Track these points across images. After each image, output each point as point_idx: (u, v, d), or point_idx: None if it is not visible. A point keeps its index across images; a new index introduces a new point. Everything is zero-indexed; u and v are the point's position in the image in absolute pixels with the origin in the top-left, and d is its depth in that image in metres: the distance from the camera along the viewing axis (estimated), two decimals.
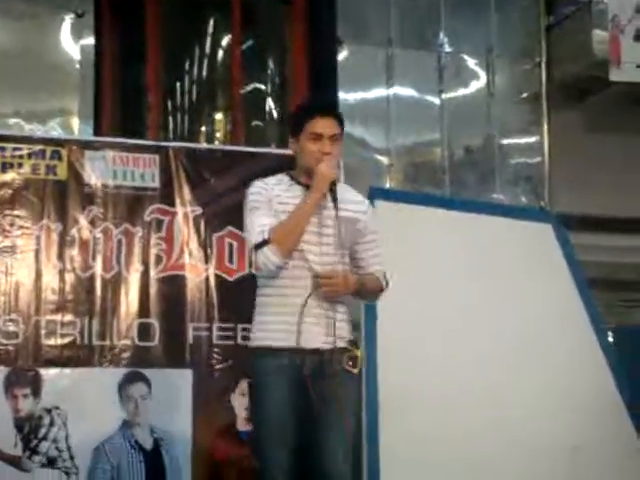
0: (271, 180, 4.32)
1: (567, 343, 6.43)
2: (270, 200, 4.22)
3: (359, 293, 4.31)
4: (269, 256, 4.10)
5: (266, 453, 4.17)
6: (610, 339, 6.85)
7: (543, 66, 9.07)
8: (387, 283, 4.37)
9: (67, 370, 5.56)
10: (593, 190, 8.96)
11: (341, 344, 4.16)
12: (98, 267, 5.74)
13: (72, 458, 5.46)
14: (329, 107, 4.51)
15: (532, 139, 8.99)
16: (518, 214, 7.08)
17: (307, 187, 4.21)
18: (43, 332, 5.56)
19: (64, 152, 5.77)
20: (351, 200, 4.33)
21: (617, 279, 9.15)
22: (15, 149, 5.69)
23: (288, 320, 4.14)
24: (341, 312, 4.24)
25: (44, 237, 5.64)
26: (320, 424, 4.12)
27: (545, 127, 8.99)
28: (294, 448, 4.13)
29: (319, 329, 4.16)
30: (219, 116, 8.46)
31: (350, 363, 4.16)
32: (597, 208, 8.98)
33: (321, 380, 4.12)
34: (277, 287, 4.21)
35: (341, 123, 4.29)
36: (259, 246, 4.12)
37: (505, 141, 8.90)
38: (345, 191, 4.34)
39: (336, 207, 4.16)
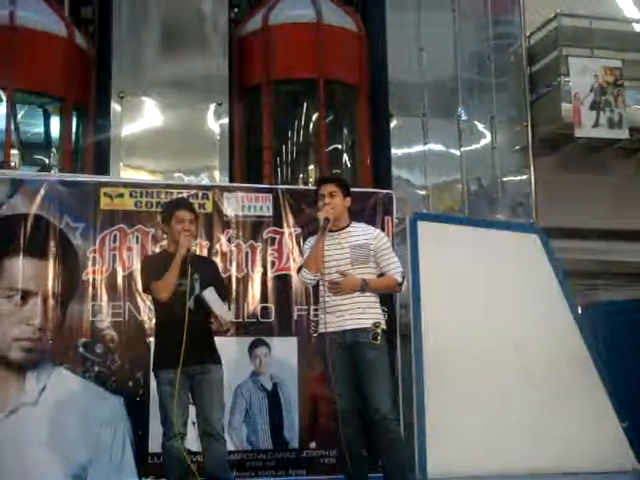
0: None
1: (551, 317, 6.30)
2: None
3: (368, 289, 4.19)
4: (303, 274, 4.32)
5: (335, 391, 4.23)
6: (579, 312, 6.69)
7: (529, 128, 8.89)
8: (402, 279, 4.27)
9: (215, 338, 5.59)
10: (565, 210, 8.82)
11: (367, 325, 4.14)
12: (234, 270, 5.77)
13: None
14: (327, 179, 4.61)
15: (523, 177, 8.80)
16: (515, 228, 7.01)
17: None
18: None
19: (210, 194, 5.82)
20: (362, 232, 4.34)
21: (584, 271, 8.96)
22: (178, 193, 5.75)
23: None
24: (363, 304, 4.18)
25: (198, 250, 5.63)
26: (362, 375, 4.13)
27: (532, 169, 8.82)
28: (350, 389, 4.19)
29: (332, 317, 4.20)
30: (311, 167, 8.46)
31: (372, 337, 4.10)
32: (568, 222, 8.83)
33: (357, 348, 4.14)
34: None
35: (338, 184, 4.38)
36: (298, 270, 4.41)
37: (505, 179, 8.72)
38: (360, 227, 4.40)
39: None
